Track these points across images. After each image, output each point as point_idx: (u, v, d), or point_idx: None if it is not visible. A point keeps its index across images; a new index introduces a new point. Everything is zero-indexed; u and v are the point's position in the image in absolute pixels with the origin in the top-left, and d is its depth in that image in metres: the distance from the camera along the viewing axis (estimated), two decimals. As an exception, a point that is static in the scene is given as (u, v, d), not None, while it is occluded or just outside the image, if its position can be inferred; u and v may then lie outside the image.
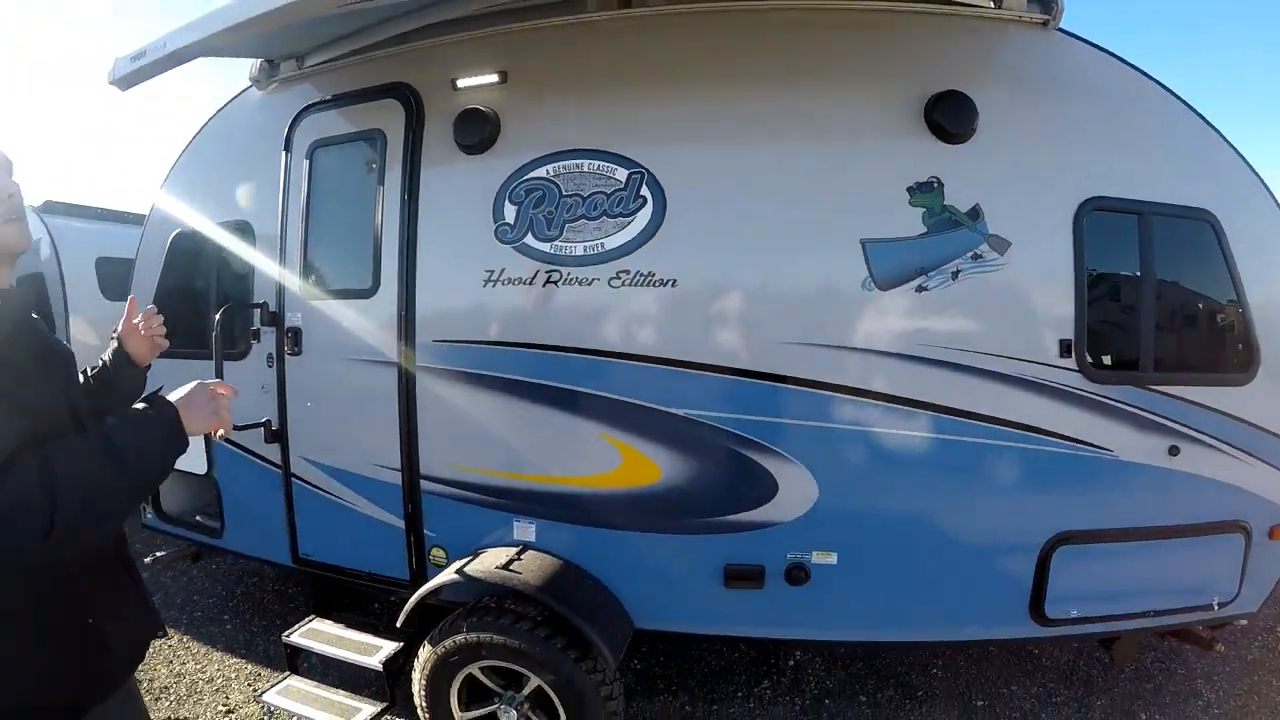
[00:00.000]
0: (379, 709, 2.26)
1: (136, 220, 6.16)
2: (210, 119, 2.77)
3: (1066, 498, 2.06)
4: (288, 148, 2.45)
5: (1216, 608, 2.23)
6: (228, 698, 2.69)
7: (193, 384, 1.13)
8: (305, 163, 2.42)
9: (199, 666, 2.88)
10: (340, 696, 2.33)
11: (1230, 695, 2.69)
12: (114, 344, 1.32)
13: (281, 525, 2.54)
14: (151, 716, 2.13)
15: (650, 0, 2.12)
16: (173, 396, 1.10)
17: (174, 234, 2.79)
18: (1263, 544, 2.24)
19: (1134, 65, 2.12)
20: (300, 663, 2.49)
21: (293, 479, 2.47)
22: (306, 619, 2.55)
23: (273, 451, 2.50)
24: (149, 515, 3.04)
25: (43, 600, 1.00)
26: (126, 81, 2.17)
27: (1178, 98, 2.14)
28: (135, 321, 1.34)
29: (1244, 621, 2.45)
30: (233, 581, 3.63)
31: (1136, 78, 2.12)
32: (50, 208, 5.34)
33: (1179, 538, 2.17)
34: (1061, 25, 2.07)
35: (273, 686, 2.41)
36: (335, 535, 2.46)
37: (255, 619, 3.24)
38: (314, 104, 2.43)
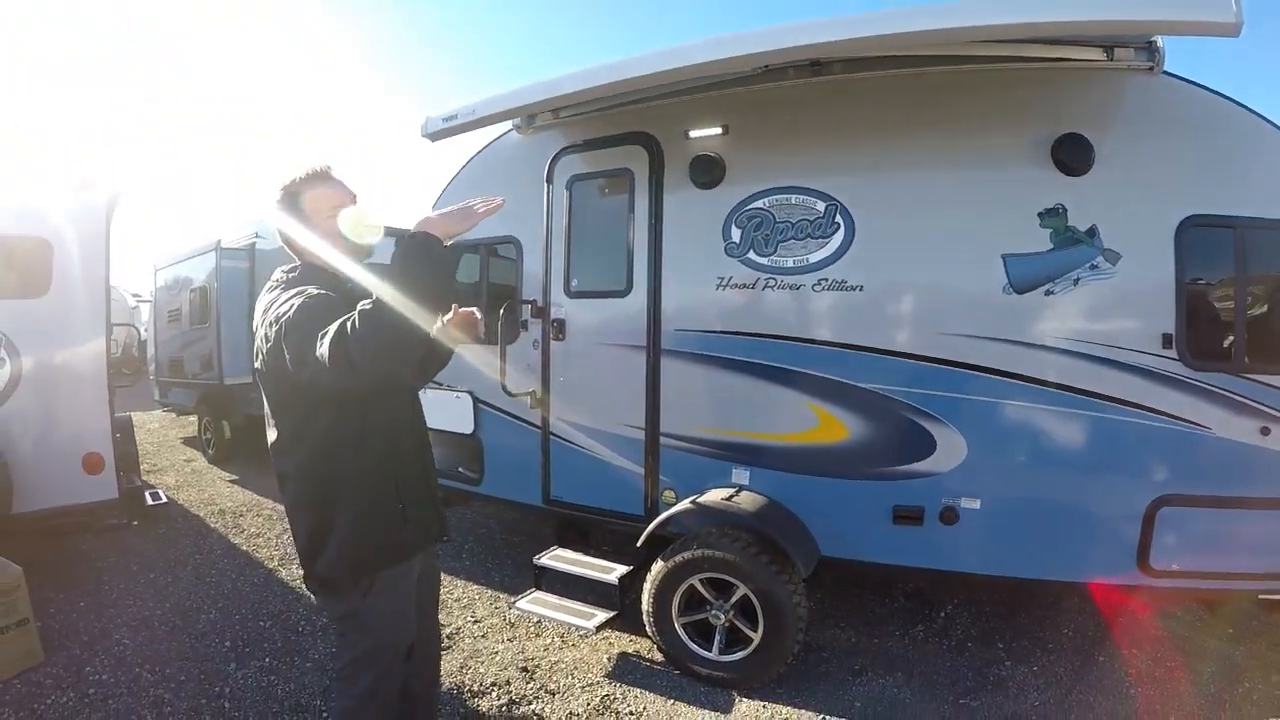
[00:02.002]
0: (611, 614, 3.60)
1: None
2: (474, 157, 4.33)
3: (1168, 465, 3.10)
4: (549, 180, 3.96)
5: None
6: (475, 613, 4.14)
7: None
8: (565, 193, 3.91)
9: (447, 590, 4.31)
10: (579, 605, 3.69)
11: None
12: (439, 324, 1.75)
13: (535, 474, 4.04)
14: None
15: (833, 70, 3.40)
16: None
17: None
18: None
19: (1228, 96, 3.11)
20: (542, 582, 3.90)
21: (551, 436, 3.96)
22: (550, 549, 4.00)
23: (533, 415, 4.01)
24: None
25: (379, 488, 1.89)
26: (437, 136, 3.72)
27: (1269, 122, 3.10)
28: (473, 312, 1.89)
29: None
30: (464, 531, 5.32)
31: (1230, 107, 3.09)
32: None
33: (1272, 509, 3.10)
34: (1166, 68, 3.12)
35: (523, 597, 3.84)
36: (583, 481, 3.93)
37: (489, 558, 4.82)
38: (570, 146, 3.92)
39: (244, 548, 5.23)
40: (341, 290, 1.85)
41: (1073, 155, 3.06)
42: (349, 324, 1.52)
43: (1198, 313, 3.13)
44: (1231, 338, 3.12)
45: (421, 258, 1.62)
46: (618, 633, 3.80)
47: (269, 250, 7.85)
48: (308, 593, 2.43)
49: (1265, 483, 3.09)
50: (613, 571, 3.68)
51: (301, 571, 2.05)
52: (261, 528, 5.70)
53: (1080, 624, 4.04)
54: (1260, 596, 3.33)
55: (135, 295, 14.90)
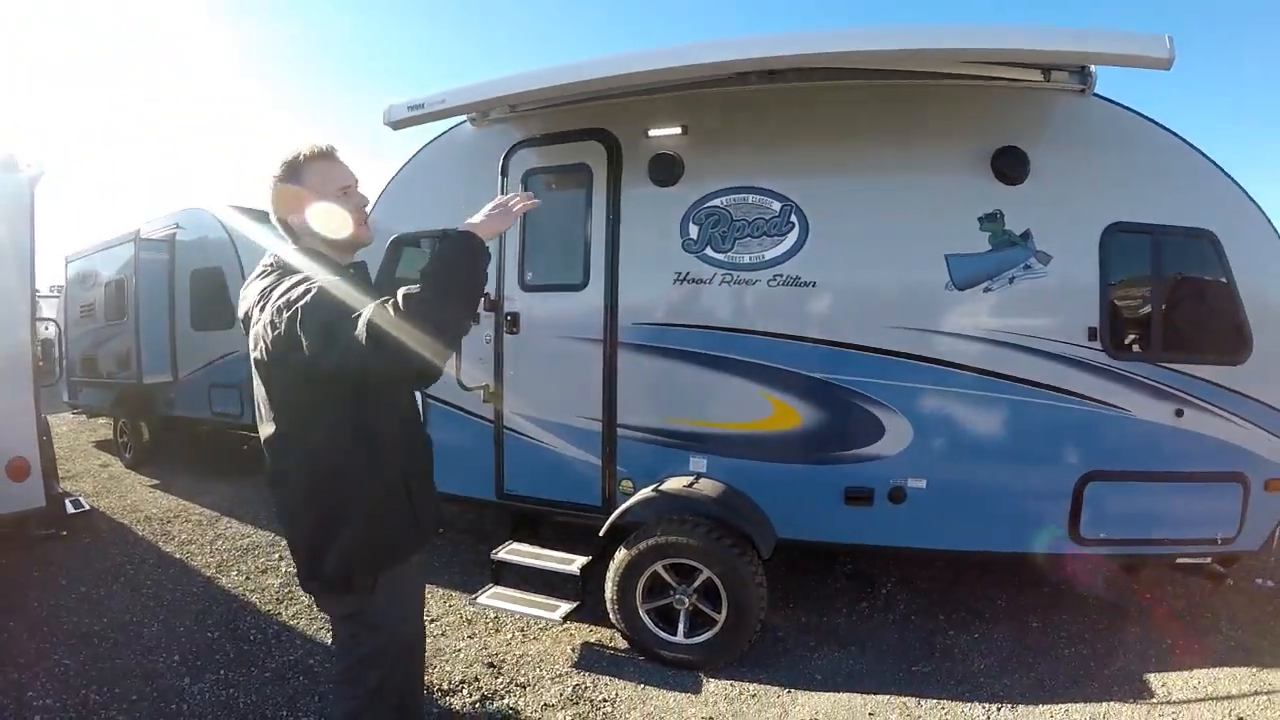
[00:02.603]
0: (573, 605, 3.63)
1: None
2: (425, 147, 4.31)
3: (1094, 445, 3.47)
4: (504, 173, 3.98)
5: (1220, 543, 3.55)
6: (429, 611, 4.05)
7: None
8: (520, 186, 3.93)
9: None
10: (539, 598, 3.73)
11: (1247, 631, 3.95)
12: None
13: (488, 469, 4.06)
14: None
15: (788, 78, 3.57)
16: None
17: (392, 238, 4.30)
18: (1260, 493, 3.55)
19: (1149, 117, 3.51)
20: (501, 577, 3.93)
21: (505, 430, 3.99)
22: (505, 544, 4.04)
23: (485, 409, 4.03)
24: None
25: (390, 482, 1.87)
26: (400, 124, 3.69)
27: (1186, 142, 3.51)
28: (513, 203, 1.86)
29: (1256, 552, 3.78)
30: None
31: (1150, 127, 3.49)
32: (224, 210, 7.36)
33: (1185, 482, 3.52)
34: (1097, 90, 3.48)
35: (482, 593, 3.87)
36: (538, 474, 3.98)
37: (433, 556, 4.78)
38: (526, 140, 3.95)
39: (177, 555, 5.02)
40: (344, 275, 1.81)
41: (1011, 166, 3.38)
42: (394, 306, 1.51)
43: (1119, 309, 3.50)
44: (1148, 331, 3.49)
45: (465, 257, 1.67)
46: (577, 624, 3.88)
47: (190, 241, 7.60)
48: (304, 593, 2.45)
49: (1179, 459, 3.50)
50: (573, 562, 3.76)
51: (296, 572, 2.00)
52: (192, 534, 5.48)
53: (1011, 594, 4.39)
54: (1178, 560, 3.73)
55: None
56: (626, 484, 3.79)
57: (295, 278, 1.71)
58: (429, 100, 3.59)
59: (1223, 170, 3.57)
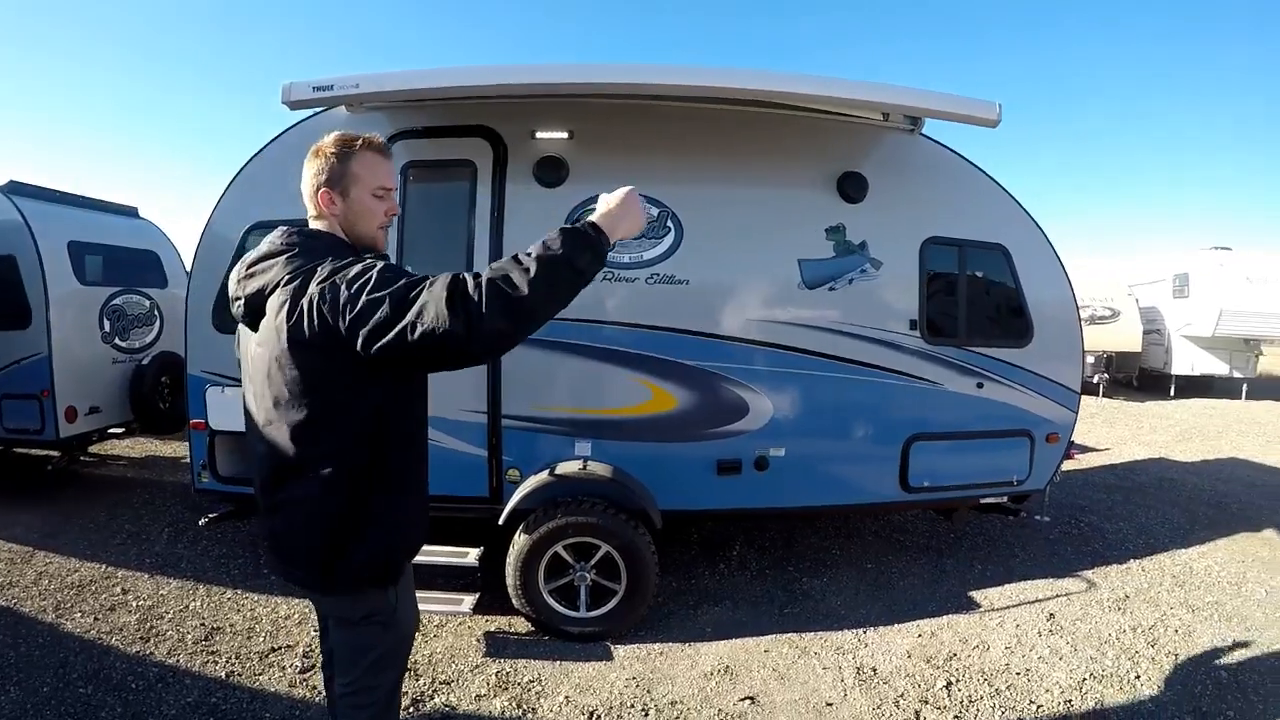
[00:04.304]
0: (475, 596, 3.79)
1: (102, 207, 7.68)
2: (292, 129, 4.26)
3: (916, 412, 4.30)
4: (382, 165, 4.09)
5: (1015, 484, 4.57)
6: (316, 626, 3.68)
7: (625, 189, 1.78)
8: (399, 178, 4.07)
9: (272, 609, 4.14)
10: (440, 594, 3.86)
11: (1036, 555, 5.21)
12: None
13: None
14: (252, 652, 3.62)
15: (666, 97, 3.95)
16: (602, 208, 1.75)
17: (250, 225, 4.25)
18: (1043, 445, 4.59)
19: (962, 155, 4.39)
20: None
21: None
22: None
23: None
24: (205, 479, 4.18)
25: (412, 477, 1.90)
26: (298, 104, 3.64)
27: (984, 173, 4.42)
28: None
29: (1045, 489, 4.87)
30: (247, 545, 5.08)
31: (960, 161, 4.38)
32: (17, 188, 6.47)
33: (986, 438, 4.48)
34: (924, 131, 4.28)
35: None
36: (423, 468, 4.19)
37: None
38: (407, 131, 4.07)
39: (0, 604, 4.24)
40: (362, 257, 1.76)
41: (853, 187, 4.11)
42: (501, 277, 1.53)
43: (933, 304, 4.31)
44: (956, 322, 4.37)
45: (589, 250, 1.62)
46: (473, 616, 3.99)
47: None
48: (309, 597, 2.36)
49: (980, 421, 4.45)
50: (468, 554, 3.92)
51: (301, 576, 1.90)
52: (8, 576, 4.62)
53: (843, 543, 5.29)
54: (982, 501, 4.71)
55: None
56: (514, 473, 4.07)
57: (340, 259, 1.68)
58: (340, 82, 3.54)
59: (1014, 199, 4.51)
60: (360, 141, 1.83)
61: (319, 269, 1.64)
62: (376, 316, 1.53)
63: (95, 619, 4.03)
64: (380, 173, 1.87)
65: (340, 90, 3.58)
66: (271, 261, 1.73)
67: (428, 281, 1.55)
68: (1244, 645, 3.93)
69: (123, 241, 7.43)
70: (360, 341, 1.55)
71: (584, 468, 3.95)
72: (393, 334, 1.52)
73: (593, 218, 1.72)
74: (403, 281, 1.57)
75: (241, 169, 4.35)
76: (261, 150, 4.34)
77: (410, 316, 1.51)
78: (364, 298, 1.54)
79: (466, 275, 1.54)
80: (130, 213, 7.87)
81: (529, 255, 1.56)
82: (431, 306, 1.49)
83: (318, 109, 4.08)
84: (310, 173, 1.83)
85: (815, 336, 4.12)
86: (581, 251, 1.60)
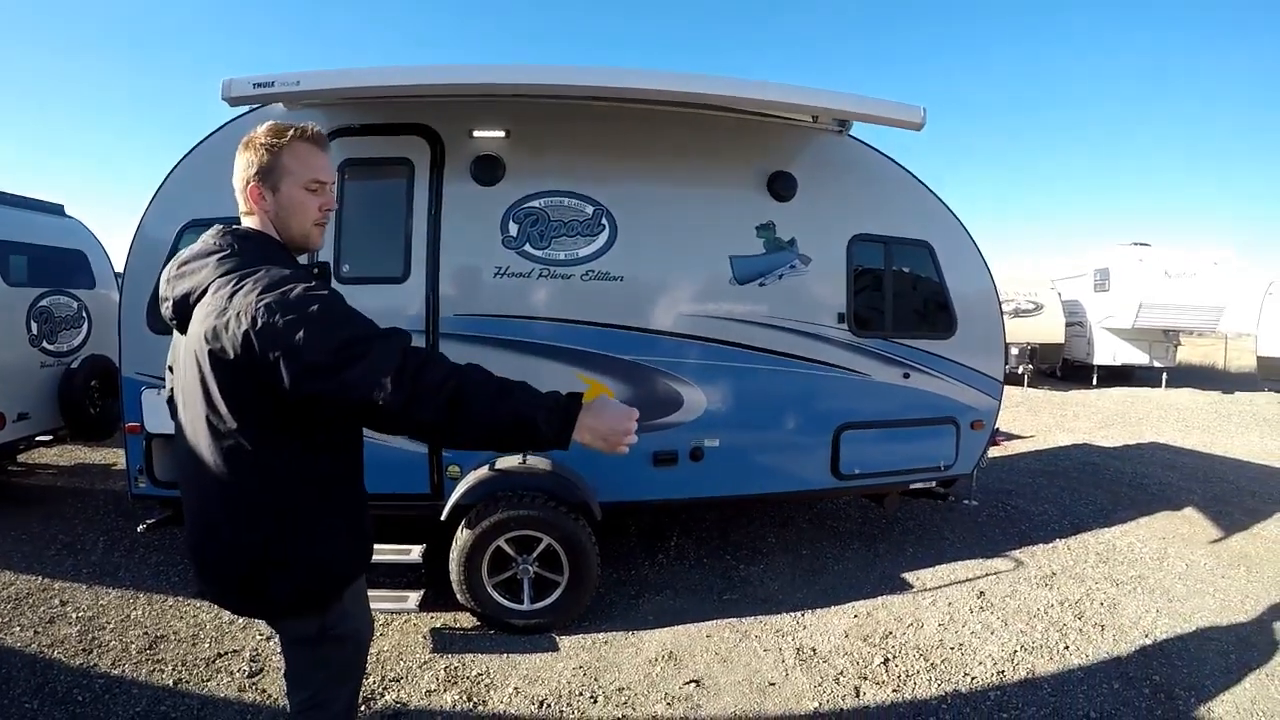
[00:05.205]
0: (420, 593, 3.77)
1: (27, 204, 7.51)
2: (225, 126, 4.28)
3: (845, 402, 4.51)
4: (317, 163, 4.15)
5: (943, 469, 4.83)
6: (260, 629, 3.86)
7: (618, 404, 1.61)
8: (336, 176, 4.13)
9: (215, 614, 4.08)
10: (385, 592, 3.87)
11: (966, 537, 5.50)
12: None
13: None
14: (199, 659, 3.57)
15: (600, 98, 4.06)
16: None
17: (184, 223, 4.27)
18: (968, 432, 4.88)
19: (889, 156, 4.61)
20: None
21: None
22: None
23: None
24: (142, 484, 4.14)
25: (347, 497, 1.81)
26: (238, 100, 3.64)
27: (910, 173, 4.66)
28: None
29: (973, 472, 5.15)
30: (178, 550, 5.00)
31: (885, 161, 4.61)
32: None
33: (914, 427, 4.72)
34: (851, 133, 4.49)
35: None
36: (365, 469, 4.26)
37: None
38: (344, 129, 4.11)
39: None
40: (300, 270, 1.70)
41: (783, 186, 4.30)
42: (467, 382, 1.50)
43: (861, 298, 4.51)
44: (882, 315, 4.59)
45: (558, 418, 1.55)
46: (417, 613, 3.99)
47: None
48: (252, 619, 2.34)
49: (907, 410, 4.69)
50: (410, 551, 3.98)
51: (229, 602, 1.81)
52: None
53: (777, 531, 5.52)
54: (912, 486, 4.93)
55: None
56: (454, 469, 4.13)
57: (278, 273, 1.55)
58: (281, 79, 3.55)
59: (939, 197, 4.75)
60: (293, 131, 1.70)
61: (252, 280, 1.52)
62: (312, 359, 1.42)
63: (35, 632, 3.95)
64: (314, 165, 1.74)
65: (281, 87, 3.58)
66: (203, 262, 1.63)
67: (377, 335, 1.49)
68: (1167, 615, 4.22)
69: (49, 241, 7.25)
70: (289, 380, 1.44)
71: (523, 462, 4.06)
72: (328, 383, 1.43)
73: (584, 413, 1.59)
74: (350, 330, 1.48)
75: (176, 165, 4.32)
76: (196, 146, 4.33)
77: (353, 372, 1.43)
78: (300, 334, 1.43)
79: (423, 349, 1.52)
80: (56, 210, 7.67)
81: (509, 390, 1.55)
82: (378, 368, 1.42)
83: (256, 105, 4.11)
84: (240, 165, 1.73)
85: (747, 330, 4.29)
86: (550, 429, 1.54)
